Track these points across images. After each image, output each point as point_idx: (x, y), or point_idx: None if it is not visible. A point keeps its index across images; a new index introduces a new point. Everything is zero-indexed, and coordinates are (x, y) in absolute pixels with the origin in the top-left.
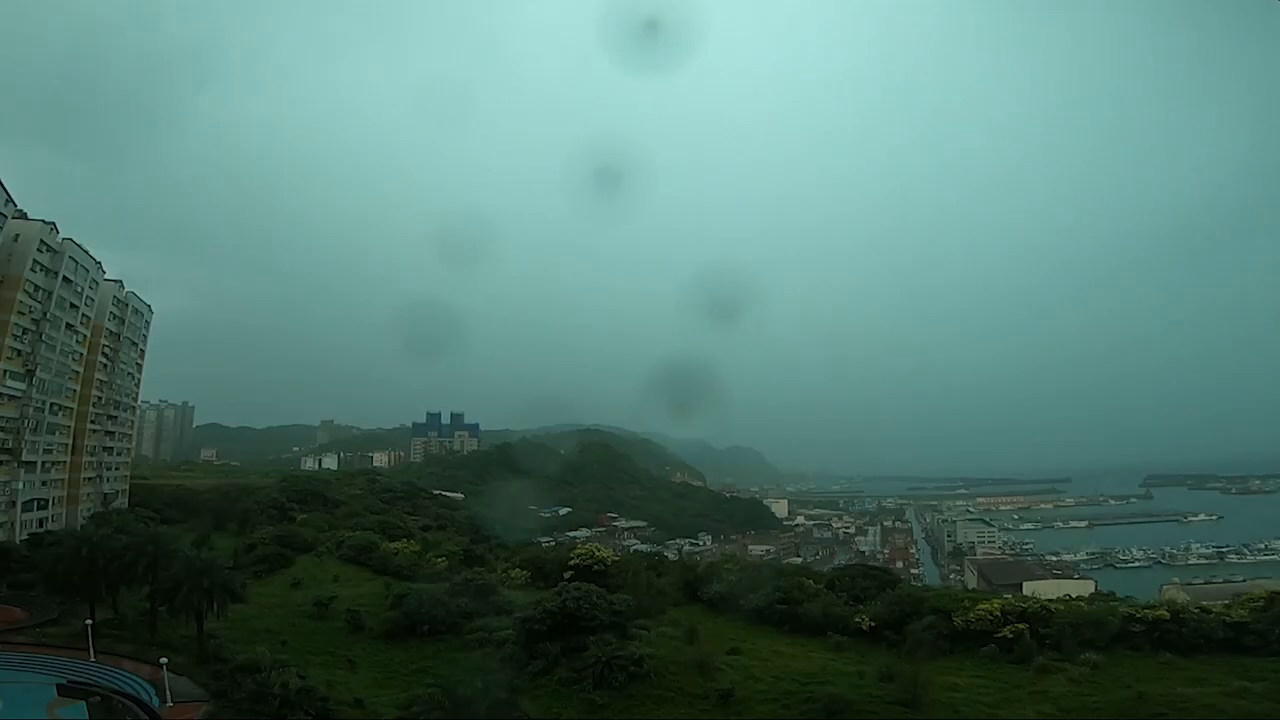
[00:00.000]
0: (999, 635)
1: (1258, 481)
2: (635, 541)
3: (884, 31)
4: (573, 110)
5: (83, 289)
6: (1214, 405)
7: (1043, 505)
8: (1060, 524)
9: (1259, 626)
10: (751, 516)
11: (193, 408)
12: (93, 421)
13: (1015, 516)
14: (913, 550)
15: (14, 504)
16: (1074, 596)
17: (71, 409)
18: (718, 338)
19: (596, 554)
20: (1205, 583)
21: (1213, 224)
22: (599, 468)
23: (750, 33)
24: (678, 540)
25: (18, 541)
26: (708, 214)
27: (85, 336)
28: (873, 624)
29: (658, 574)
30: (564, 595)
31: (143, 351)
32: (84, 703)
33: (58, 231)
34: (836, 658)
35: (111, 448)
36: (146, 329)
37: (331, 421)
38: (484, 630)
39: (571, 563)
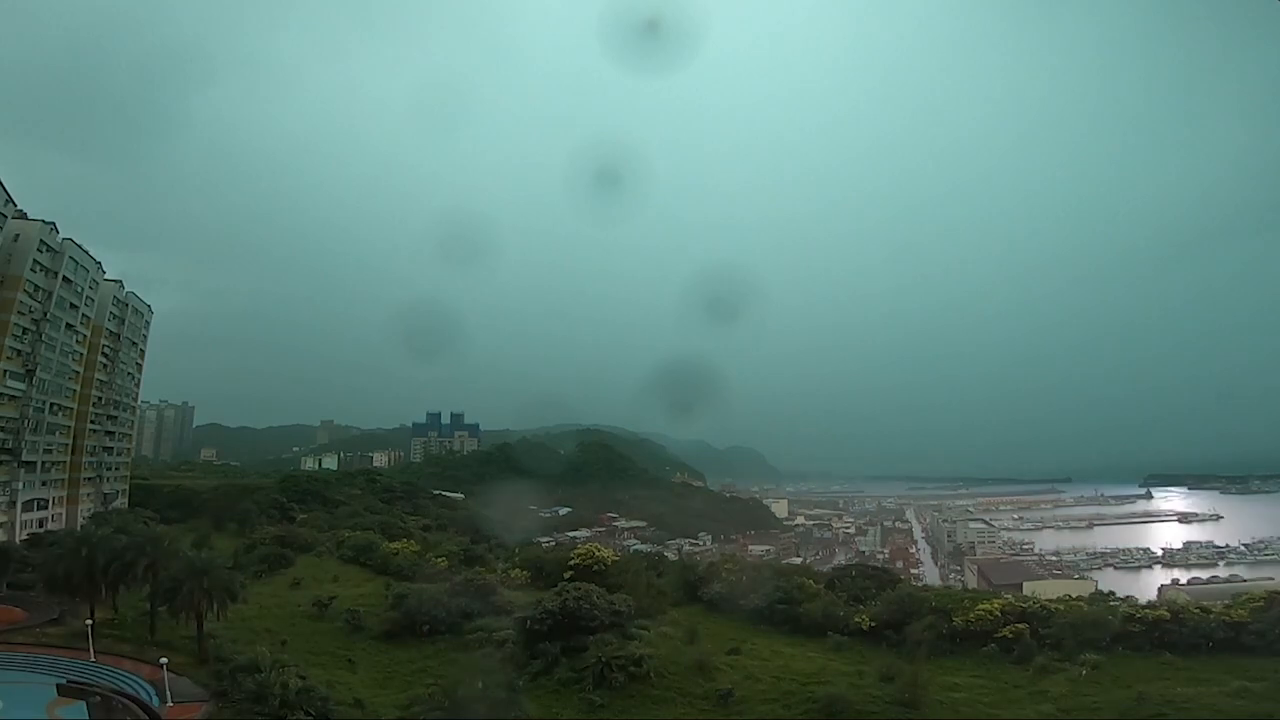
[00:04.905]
0: (999, 635)
1: (1258, 481)
2: (635, 541)
3: (883, 28)
4: (574, 108)
5: (83, 289)
6: (1214, 405)
7: (1043, 505)
8: (1060, 524)
9: (1259, 626)
10: (751, 516)
11: (193, 408)
12: (93, 421)
13: (1015, 516)
14: (913, 550)
15: (14, 504)
16: (1074, 596)
17: (71, 409)
18: (718, 337)
19: (596, 554)
20: (1205, 583)
21: (1213, 222)
22: (599, 468)
23: (749, 29)
24: (678, 540)
25: (18, 541)
26: (708, 213)
27: (85, 336)
28: (873, 624)
29: (658, 574)
30: (564, 595)
31: (143, 351)
32: (84, 703)
33: (58, 231)
34: (836, 658)
35: (111, 448)
36: (146, 329)
37: (331, 421)
38: (484, 630)
39: (571, 563)
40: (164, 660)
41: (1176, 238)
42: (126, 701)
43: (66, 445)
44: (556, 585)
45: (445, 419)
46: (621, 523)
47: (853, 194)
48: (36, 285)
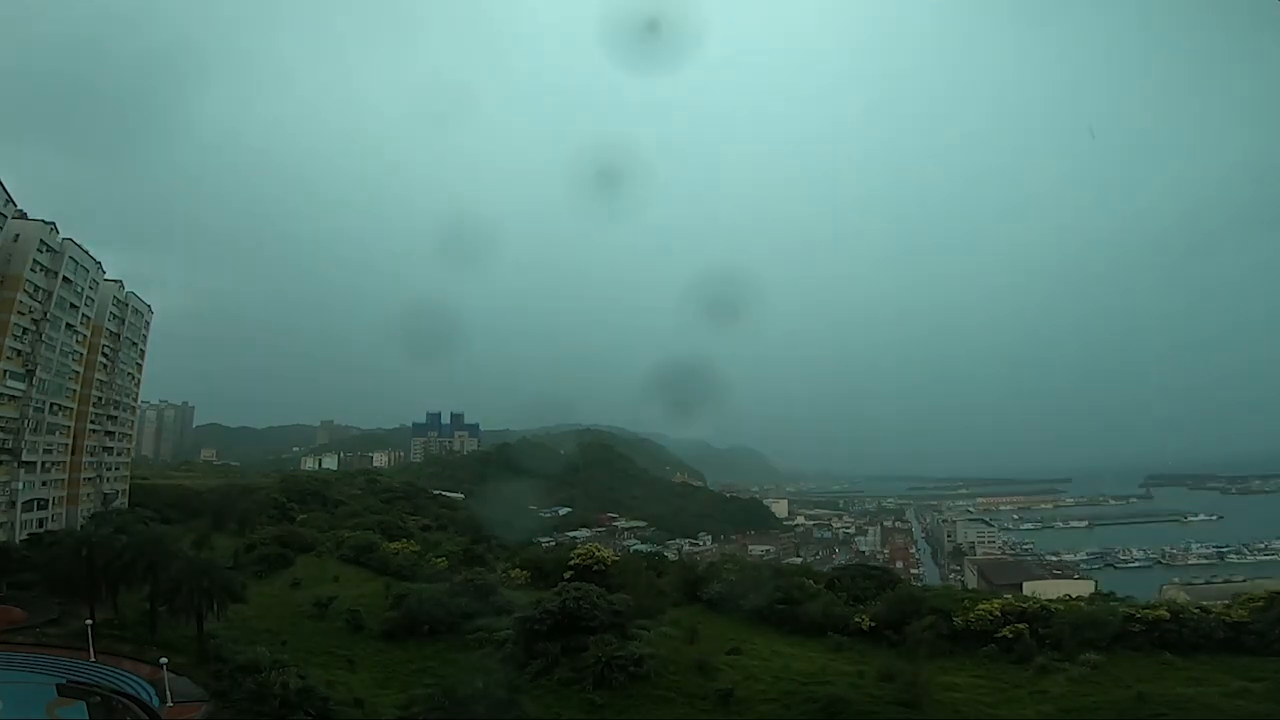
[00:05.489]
0: (999, 635)
1: (1258, 481)
2: (635, 541)
3: (883, 28)
4: (574, 107)
5: (83, 289)
6: (1214, 405)
7: (1043, 505)
8: (1060, 524)
9: (1259, 626)
10: (751, 516)
11: (193, 408)
12: (93, 421)
13: (1015, 516)
14: (913, 550)
15: (14, 504)
16: (1074, 596)
17: (71, 409)
18: (718, 336)
19: (596, 554)
20: (1205, 583)
21: (1212, 222)
22: (599, 468)
23: (750, 27)
24: (678, 540)
25: (18, 541)
26: (708, 212)
27: (85, 336)
28: (873, 624)
29: (658, 574)
30: (564, 595)
31: (143, 351)
32: (84, 703)
33: (58, 231)
34: (836, 658)
35: (111, 448)
36: (146, 329)
37: (331, 421)
38: (484, 630)
39: (571, 563)
40: (164, 660)
41: (1177, 239)
42: (126, 701)
43: (66, 445)
44: (556, 585)
45: (445, 419)
46: (621, 523)
47: (855, 196)
48: (36, 285)
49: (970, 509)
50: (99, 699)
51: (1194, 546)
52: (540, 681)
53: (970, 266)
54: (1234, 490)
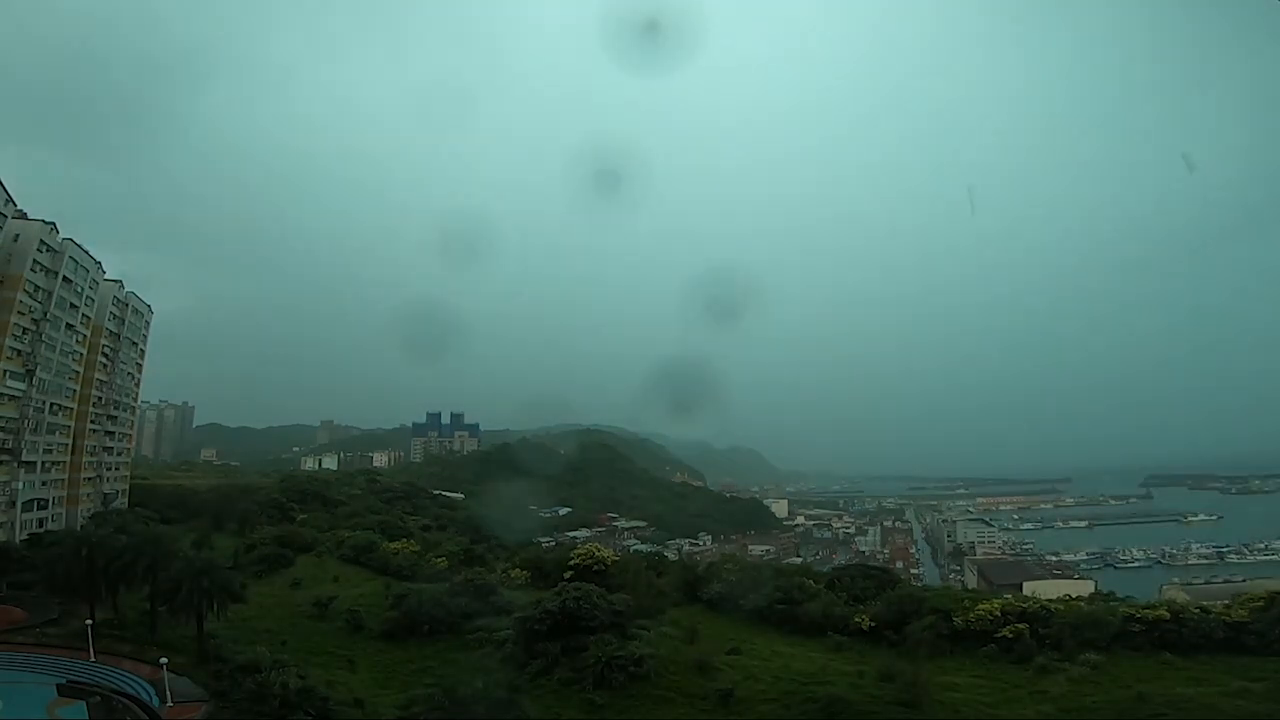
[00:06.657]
0: (999, 635)
1: (1258, 481)
2: (635, 541)
3: (883, 31)
4: (574, 110)
5: (83, 289)
6: (1214, 405)
7: (1043, 505)
8: (1060, 524)
9: (1259, 626)
10: (751, 516)
11: (193, 408)
12: (93, 421)
13: (1015, 516)
14: (913, 550)
15: (14, 504)
16: (1074, 596)
17: (71, 409)
18: (718, 337)
19: (596, 554)
20: (1205, 583)
21: (1211, 223)
22: (599, 468)
23: (751, 30)
24: (678, 540)
25: (18, 541)
26: (708, 213)
27: (85, 336)
28: (873, 624)
29: (658, 574)
30: (564, 595)
31: (143, 351)
32: (84, 703)
33: (58, 231)
34: (836, 658)
35: (111, 448)
36: (146, 329)
37: (331, 421)
38: (484, 630)
39: (571, 563)
40: (164, 660)
41: (1178, 240)
42: (126, 701)
43: (66, 445)
44: (556, 585)
45: (445, 419)
46: (621, 523)
47: (856, 197)
48: (36, 285)
49: (970, 509)
50: (99, 699)
51: (1194, 546)
52: (540, 681)
53: (971, 268)
54: (1234, 490)
